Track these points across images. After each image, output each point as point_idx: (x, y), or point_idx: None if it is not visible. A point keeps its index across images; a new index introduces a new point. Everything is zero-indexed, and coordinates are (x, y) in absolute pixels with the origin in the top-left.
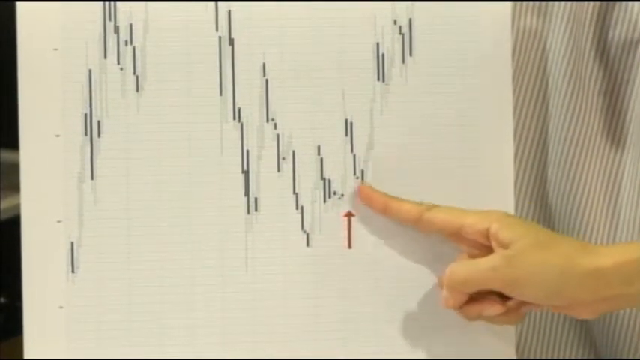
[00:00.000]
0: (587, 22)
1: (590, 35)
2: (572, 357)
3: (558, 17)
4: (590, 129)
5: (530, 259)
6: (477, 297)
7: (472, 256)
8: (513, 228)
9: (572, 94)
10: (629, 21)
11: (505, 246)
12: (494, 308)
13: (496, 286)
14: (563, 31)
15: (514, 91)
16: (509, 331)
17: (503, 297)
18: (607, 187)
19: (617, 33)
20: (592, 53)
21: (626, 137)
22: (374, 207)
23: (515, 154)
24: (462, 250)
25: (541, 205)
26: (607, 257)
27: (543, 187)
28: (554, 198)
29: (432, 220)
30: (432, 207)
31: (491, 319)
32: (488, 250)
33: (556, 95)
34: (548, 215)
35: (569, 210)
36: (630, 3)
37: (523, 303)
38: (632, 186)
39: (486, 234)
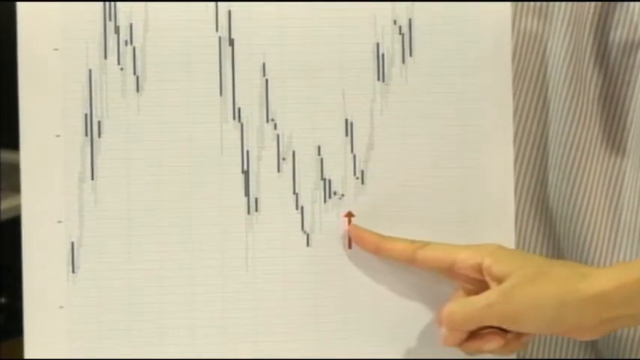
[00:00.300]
0: (587, 24)
1: (591, 37)
2: (573, 357)
3: (559, 19)
4: (590, 132)
5: (526, 292)
6: (477, 332)
7: (467, 292)
8: (506, 261)
9: (572, 97)
10: (630, 22)
11: (499, 280)
12: (494, 342)
13: (494, 322)
14: (563, 33)
15: (514, 94)
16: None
17: (502, 330)
18: (608, 190)
19: (618, 35)
20: (592, 56)
21: (626, 141)
22: (366, 247)
23: (516, 158)
24: (457, 287)
25: (542, 208)
26: (605, 280)
27: (544, 190)
28: (555, 201)
29: (425, 258)
30: (423, 245)
31: (493, 352)
32: (482, 284)
33: (556, 98)
34: (549, 218)
35: (569, 213)
36: (632, 4)
37: (523, 334)
38: (632, 190)
39: (479, 269)
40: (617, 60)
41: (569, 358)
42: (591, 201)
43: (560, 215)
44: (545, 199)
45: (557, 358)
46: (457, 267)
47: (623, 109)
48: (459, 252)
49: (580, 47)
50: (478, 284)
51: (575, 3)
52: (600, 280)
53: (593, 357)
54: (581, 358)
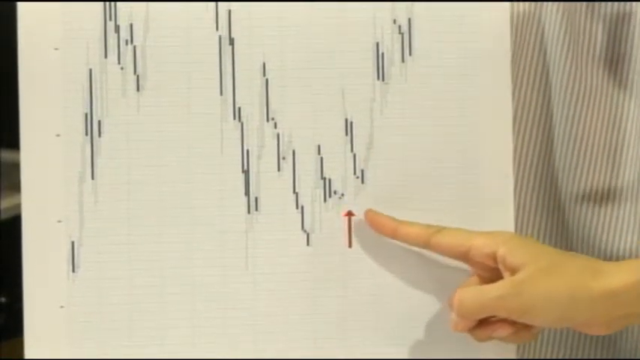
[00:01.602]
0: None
1: (584, 10)
2: (572, 357)
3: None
4: (593, 102)
5: (538, 286)
6: (487, 319)
7: (481, 278)
8: (520, 252)
9: (572, 74)
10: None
11: (512, 271)
12: (503, 330)
13: (505, 314)
14: (556, 10)
15: (513, 70)
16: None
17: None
18: (611, 136)
19: (609, 8)
20: (587, 27)
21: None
22: (383, 231)
23: (518, 132)
24: (471, 273)
25: (545, 182)
26: (618, 277)
27: (548, 168)
28: (560, 177)
29: (440, 244)
30: (439, 230)
31: (502, 340)
32: (496, 272)
33: (557, 73)
34: (557, 202)
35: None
36: None
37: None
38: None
39: (494, 257)
40: (611, 31)
41: (568, 358)
42: (594, 147)
43: (563, 160)
44: (551, 179)
45: (557, 358)
46: (472, 254)
47: (622, 78)
48: (474, 239)
49: (574, 21)
50: (492, 272)
51: None
52: (612, 277)
53: (610, 357)
54: (581, 358)
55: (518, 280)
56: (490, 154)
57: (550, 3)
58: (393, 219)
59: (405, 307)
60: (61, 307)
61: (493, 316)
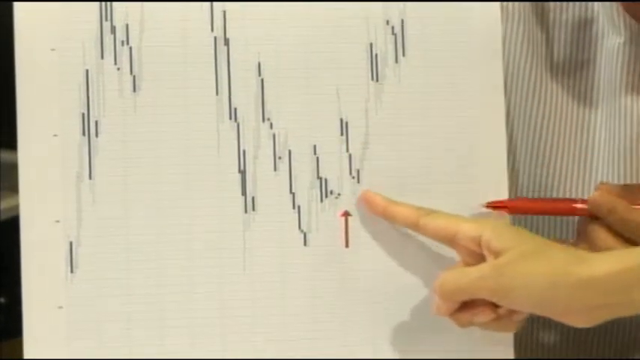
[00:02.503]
0: (538, 9)
1: (544, 17)
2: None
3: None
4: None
5: (520, 269)
6: (469, 304)
7: (467, 264)
8: (505, 237)
9: (532, 82)
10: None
11: (496, 255)
12: (484, 315)
13: (485, 295)
14: (517, 19)
15: None
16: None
17: (494, 304)
18: (580, 144)
19: (571, 14)
20: (547, 34)
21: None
22: (374, 209)
23: None
24: (458, 260)
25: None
26: (601, 265)
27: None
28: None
29: (428, 226)
30: (429, 212)
31: (484, 326)
32: (481, 258)
33: (518, 82)
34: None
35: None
36: None
37: (514, 311)
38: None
39: (479, 242)
40: (573, 37)
41: (569, 358)
42: (564, 158)
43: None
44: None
45: (557, 358)
46: (458, 238)
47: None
48: (462, 223)
49: (534, 28)
50: (478, 258)
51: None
52: (595, 265)
53: (614, 357)
54: (581, 357)
55: (500, 263)
56: (483, 153)
57: (510, 10)
58: (386, 198)
59: (403, 306)
60: (60, 307)
61: (475, 301)
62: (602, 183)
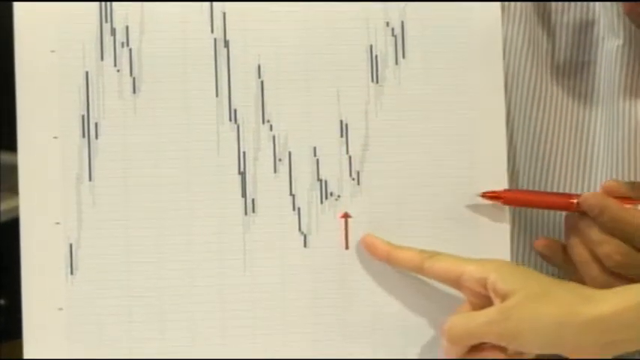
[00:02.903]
0: (540, 10)
1: (545, 19)
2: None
3: (516, 12)
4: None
5: (527, 312)
6: (478, 346)
7: (473, 305)
8: (511, 279)
9: (533, 83)
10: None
11: (503, 297)
12: (493, 356)
13: (493, 340)
14: (519, 20)
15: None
16: None
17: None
18: (580, 146)
19: (572, 16)
20: (548, 36)
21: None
22: (376, 254)
23: None
24: (464, 301)
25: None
26: (608, 304)
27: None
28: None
29: (433, 269)
30: (433, 255)
31: None
32: (488, 299)
33: (519, 83)
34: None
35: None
36: None
37: (522, 352)
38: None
39: (484, 284)
40: (575, 39)
41: (569, 358)
42: (563, 160)
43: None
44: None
45: (558, 357)
46: (463, 280)
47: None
48: (466, 265)
49: (535, 30)
50: (483, 299)
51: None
52: (602, 303)
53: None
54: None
55: (507, 307)
56: (484, 154)
57: (512, 11)
58: (388, 243)
59: (402, 308)
60: (60, 309)
61: (485, 343)
62: (609, 180)
